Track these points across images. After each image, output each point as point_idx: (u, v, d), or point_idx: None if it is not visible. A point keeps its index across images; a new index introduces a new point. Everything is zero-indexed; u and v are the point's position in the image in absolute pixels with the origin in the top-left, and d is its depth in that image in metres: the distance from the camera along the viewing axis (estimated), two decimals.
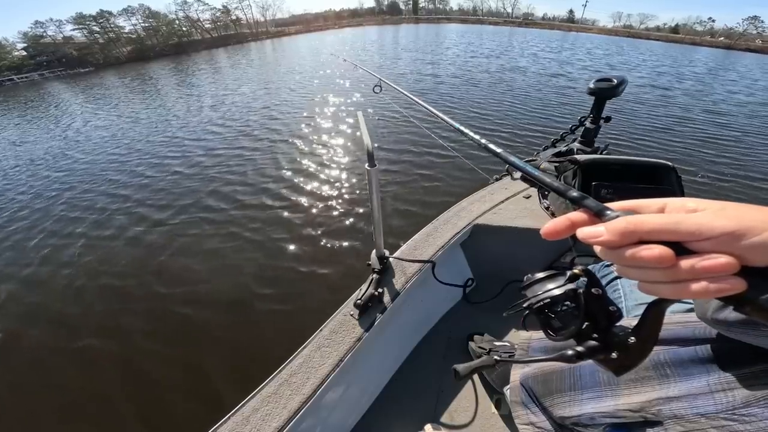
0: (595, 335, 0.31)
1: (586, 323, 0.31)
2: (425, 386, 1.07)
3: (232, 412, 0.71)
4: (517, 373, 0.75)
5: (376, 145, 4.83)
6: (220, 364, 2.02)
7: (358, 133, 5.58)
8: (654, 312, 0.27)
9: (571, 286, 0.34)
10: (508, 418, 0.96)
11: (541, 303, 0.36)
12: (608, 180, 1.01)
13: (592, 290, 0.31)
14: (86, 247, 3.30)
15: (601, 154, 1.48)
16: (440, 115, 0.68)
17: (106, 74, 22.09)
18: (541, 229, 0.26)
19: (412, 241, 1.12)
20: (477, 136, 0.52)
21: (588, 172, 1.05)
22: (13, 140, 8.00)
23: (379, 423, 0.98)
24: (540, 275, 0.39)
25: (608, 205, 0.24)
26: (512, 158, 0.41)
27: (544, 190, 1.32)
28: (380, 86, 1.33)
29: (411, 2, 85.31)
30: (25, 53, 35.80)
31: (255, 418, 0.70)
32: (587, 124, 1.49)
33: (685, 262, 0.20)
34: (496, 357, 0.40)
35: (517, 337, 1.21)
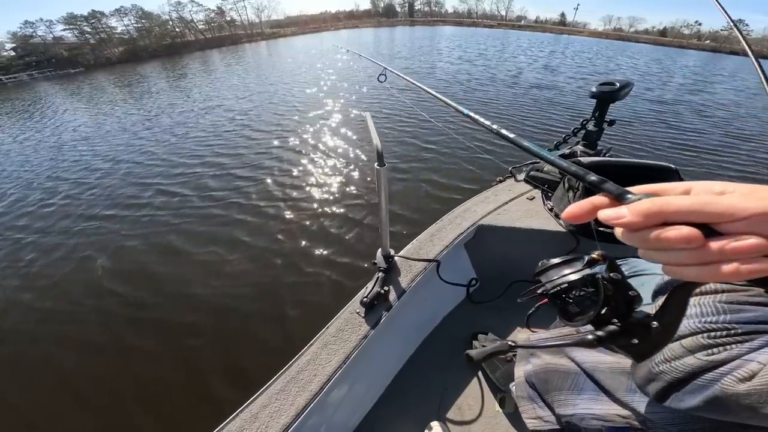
0: (614, 320, 0.30)
1: (605, 308, 0.30)
2: (429, 384, 1.07)
3: (241, 409, 0.72)
4: (521, 370, 0.76)
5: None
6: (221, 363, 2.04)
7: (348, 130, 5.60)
8: (678, 295, 0.26)
9: (589, 270, 0.33)
10: (512, 416, 0.97)
11: (558, 288, 0.35)
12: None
13: (611, 275, 0.30)
14: None
15: (604, 156, 1.51)
16: (453, 104, 0.62)
17: (96, 75, 21.62)
18: (562, 213, 0.26)
19: (417, 241, 1.12)
20: (499, 129, 0.45)
21: None
22: None
23: (383, 420, 0.99)
24: (556, 260, 0.38)
25: (630, 188, 0.24)
26: (525, 143, 0.38)
27: (548, 191, 1.34)
28: (385, 75, 1.32)
29: (407, 5, 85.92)
30: (13, 53, 35.09)
31: (263, 414, 0.70)
32: (589, 126, 1.52)
33: (715, 244, 0.19)
34: (510, 343, 0.40)
35: (520, 336, 1.22)
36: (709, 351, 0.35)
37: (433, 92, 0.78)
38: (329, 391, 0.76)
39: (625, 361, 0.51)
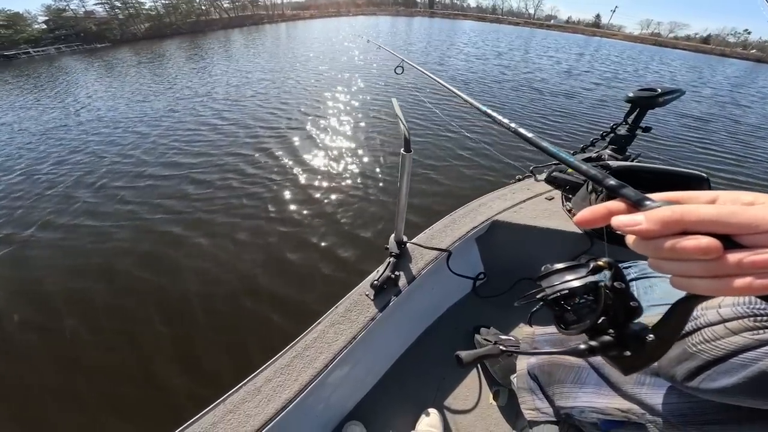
0: (610, 330, 0.29)
1: (603, 318, 0.29)
2: (428, 372, 1.09)
3: (245, 381, 0.73)
4: (523, 362, 0.78)
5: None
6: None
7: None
8: (682, 309, 0.25)
9: (592, 278, 0.32)
10: (504, 409, 0.99)
11: (558, 294, 0.34)
12: (640, 188, 1.00)
13: (615, 284, 0.29)
14: None
15: (633, 162, 1.47)
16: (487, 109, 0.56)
17: (118, 52, 21.47)
18: (575, 217, 0.25)
19: (429, 230, 1.13)
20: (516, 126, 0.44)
21: (619, 179, 1.04)
22: None
23: (381, 403, 1.01)
24: (560, 265, 0.37)
25: (650, 195, 0.23)
26: (544, 144, 0.36)
27: (569, 192, 1.32)
28: (402, 67, 1.34)
29: None
30: (45, 26, 36.02)
31: (267, 388, 0.71)
32: (620, 131, 1.47)
33: (733, 256, 0.18)
34: (501, 347, 0.40)
35: (523, 332, 1.22)
36: (756, 332, 0.35)
37: (453, 89, 0.77)
38: (333, 369, 0.77)
39: None
